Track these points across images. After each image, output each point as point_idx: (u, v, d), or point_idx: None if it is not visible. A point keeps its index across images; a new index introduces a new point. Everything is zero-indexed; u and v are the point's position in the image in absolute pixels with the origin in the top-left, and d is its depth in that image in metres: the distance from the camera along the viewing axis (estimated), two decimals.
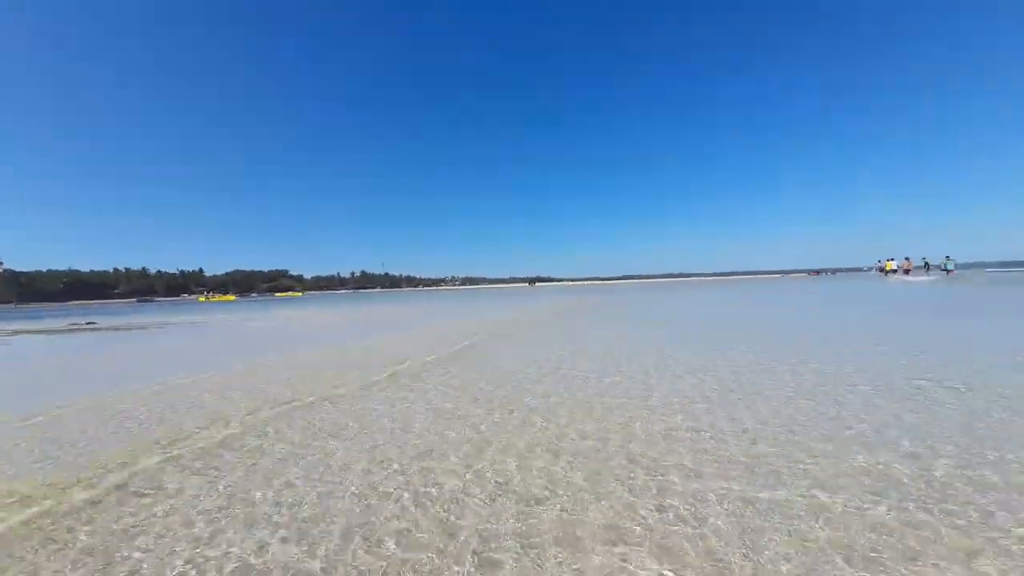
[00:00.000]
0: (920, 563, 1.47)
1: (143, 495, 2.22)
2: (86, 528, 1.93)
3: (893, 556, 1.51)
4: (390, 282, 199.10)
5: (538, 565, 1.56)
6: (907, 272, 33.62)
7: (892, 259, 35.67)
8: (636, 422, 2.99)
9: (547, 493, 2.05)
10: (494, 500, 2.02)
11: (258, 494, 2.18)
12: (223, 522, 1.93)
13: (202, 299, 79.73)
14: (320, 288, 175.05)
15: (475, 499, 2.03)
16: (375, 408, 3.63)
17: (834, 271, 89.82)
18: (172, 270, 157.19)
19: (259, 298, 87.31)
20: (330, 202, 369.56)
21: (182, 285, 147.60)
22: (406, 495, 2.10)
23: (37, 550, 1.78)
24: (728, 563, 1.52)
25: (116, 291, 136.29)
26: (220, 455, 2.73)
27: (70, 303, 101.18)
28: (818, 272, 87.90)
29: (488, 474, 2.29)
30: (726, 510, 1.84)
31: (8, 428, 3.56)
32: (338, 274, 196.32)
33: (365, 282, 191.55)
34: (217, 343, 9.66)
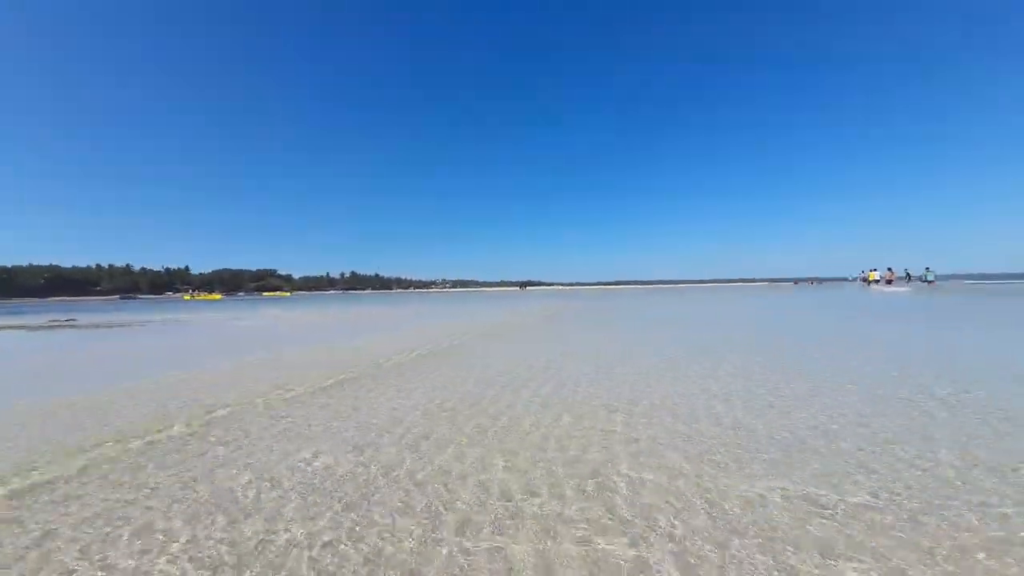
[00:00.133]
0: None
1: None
2: None
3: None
4: (380, 283, 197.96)
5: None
6: (889, 282, 34.35)
7: (875, 269, 36.42)
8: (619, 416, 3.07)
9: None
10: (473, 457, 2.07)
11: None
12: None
13: (187, 297, 78.35)
14: (309, 288, 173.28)
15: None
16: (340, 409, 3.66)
17: (820, 280, 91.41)
18: (157, 267, 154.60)
19: (246, 297, 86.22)
20: (319, 202, 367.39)
21: (167, 283, 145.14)
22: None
23: None
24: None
25: (98, 288, 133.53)
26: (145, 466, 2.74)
27: (50, 299, 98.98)
28: (809, 281, 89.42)
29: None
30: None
31: None
32: (327, 274, 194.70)
33: (355, 283, 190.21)
34: (200, 342, 9.57)
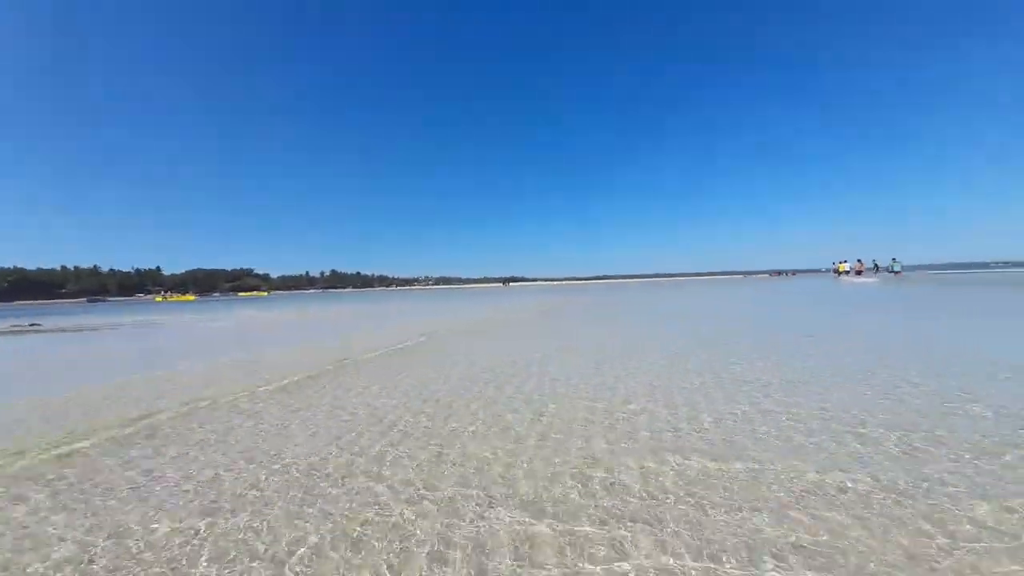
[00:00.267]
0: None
1: None
2: None
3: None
4: (362, 281, 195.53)
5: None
6: (859, 273, 35.52)
7: (845, 261, 37.59)
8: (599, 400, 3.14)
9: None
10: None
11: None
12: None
13: (159, 299, 75.96)
14: (288, 288, 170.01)
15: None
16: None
17: (794, 272, 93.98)
18: (127, 269, 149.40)
19: (221, 298, 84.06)
20: (298, 200, 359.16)
21: (137, 284, 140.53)
22: None
23: None
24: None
25: (64, 290, 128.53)
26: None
27: (15, 303, 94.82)
28: (780, 273, 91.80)
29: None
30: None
31: None
32: (307, 273, 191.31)
33: (335, 281, 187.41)
34: (168, 345, 9.33)
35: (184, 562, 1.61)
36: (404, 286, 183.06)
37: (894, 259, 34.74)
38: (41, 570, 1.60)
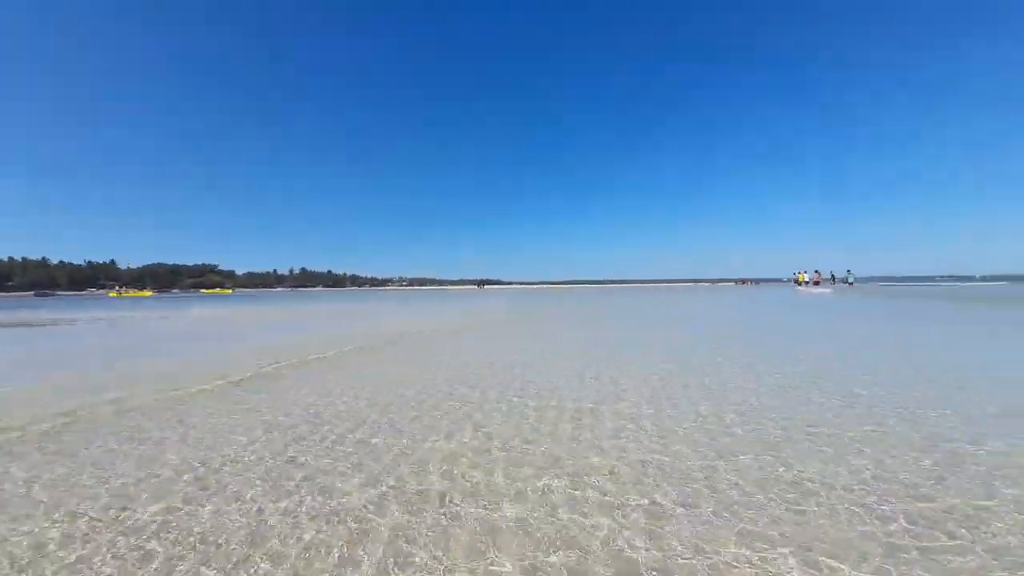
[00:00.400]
0: None
1: None
2: None
3: None
4: (332, 280, 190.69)
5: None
6: (817, 283, 37.06)
7: (804, 271, 39.16)
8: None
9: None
10: None
11: None
12: None
13: (113, 294, 71.50)
14: (255, 286, 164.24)
15: None
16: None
17: (757, 281, 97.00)
18: (79, 261, 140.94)
19: (181, 295, 79.88)
20: (266, 195, 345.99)
21: (90, 278, 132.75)
22: None
23: None
24: None
25: (10, 283, 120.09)
26: None
27: None
28: (744, 282, 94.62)
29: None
30: None
31: None
32: (275, 271, 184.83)
33: (305, 280, 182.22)
34: (114, 343, 8.63)
35: None
36: (377, 286, 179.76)
37: (848, 271, 36.54)
38: None
